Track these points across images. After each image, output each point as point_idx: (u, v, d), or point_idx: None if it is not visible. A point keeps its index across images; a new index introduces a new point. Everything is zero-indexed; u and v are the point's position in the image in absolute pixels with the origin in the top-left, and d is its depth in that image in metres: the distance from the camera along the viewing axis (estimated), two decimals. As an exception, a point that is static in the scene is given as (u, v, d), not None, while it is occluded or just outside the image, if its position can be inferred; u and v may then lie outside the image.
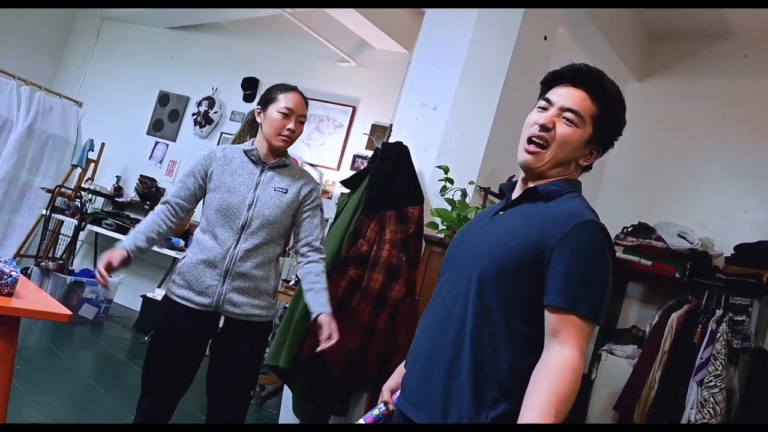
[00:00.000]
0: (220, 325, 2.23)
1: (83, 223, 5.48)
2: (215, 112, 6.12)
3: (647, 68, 4.83)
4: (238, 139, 2.39)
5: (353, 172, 4.10)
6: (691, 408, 3.33)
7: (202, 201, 2.27)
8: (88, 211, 5.69)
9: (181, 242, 5.17)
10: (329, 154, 5.56)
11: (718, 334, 3.39)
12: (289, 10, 5.04)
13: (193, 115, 6.23)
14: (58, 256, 5.59)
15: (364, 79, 5.62)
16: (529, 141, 1.38)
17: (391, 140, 3.29)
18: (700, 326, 3.50)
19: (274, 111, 2.19)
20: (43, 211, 5.86)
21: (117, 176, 6.27)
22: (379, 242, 2.96)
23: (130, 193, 6.14)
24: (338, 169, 5.48)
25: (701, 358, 3.39)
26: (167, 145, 6.35)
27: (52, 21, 6.90)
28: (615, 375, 3.71)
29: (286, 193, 2.21)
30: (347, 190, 3.27)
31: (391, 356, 2.83)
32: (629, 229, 4.08)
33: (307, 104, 2.28)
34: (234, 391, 2.21)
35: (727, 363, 3.38)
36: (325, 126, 5.62)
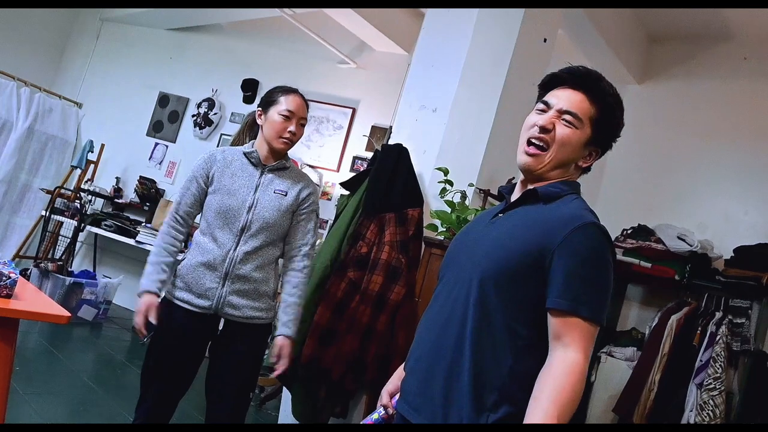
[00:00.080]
0: (220, 328, 2.23)
1: (83, 225, 5.48)
2: (215, 114, 6.12)
3: (647, 70, 4.83)
4: (237, 140, 2.39)
5: (353, 174, 4.09)
6: (691, 410, 3.33)
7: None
8: (88, 213, 5.69)
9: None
10: (329, 156, 5.56)
11: (718, 337, 3.39)
12: (288, 11, 5.04)
13: (193, 116, 6.23)
14: (57, 257, 5.58)
15: (363, 81, 5.62)
16: (529, 143, 1.38)
17: (391, 142, 3.29)
18: (699, 329, 3.50)
19: (275, 113, 2.19)
20: (43, 212, 5.86)
21: (117, 177, 6.27)
22: (379, 244, 2.96)
23: (130, 195, 6.14)
24: (338, 170, 5.48)
25: (701, 360, 3.38)
26: (167, 146, 6.35)
27: (52, 22, 6.90)
28: (614, 377, 3.71)
29: (285, 195, 2.21)
30: (347, 192, 3.27)
31: (390, 358, 2.83)
32: (629, 231, 4.08)
33: (307, 106, 2.28)
34: (233, 393, 2.21)
35: (727, 365, 3.37)
36: (325, 127, 5.62)
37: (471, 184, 3.13)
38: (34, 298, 1.99)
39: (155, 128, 6.43)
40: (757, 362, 3.54)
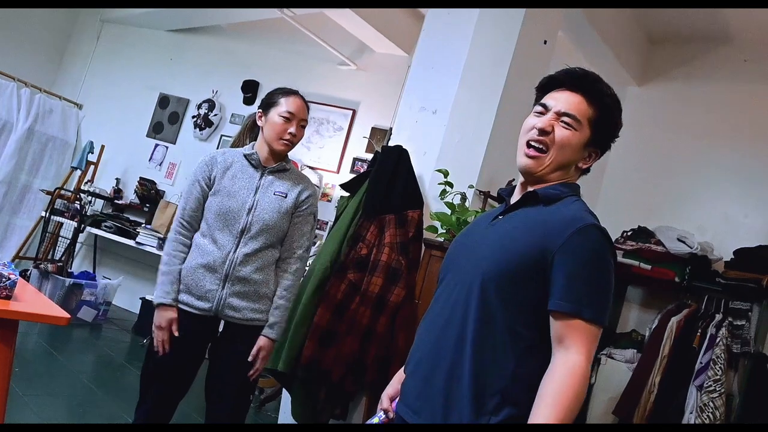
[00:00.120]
0: (220, 329, 2.23)
1: (82, 226, 5.48)
2: (215, 115, 6.12)
3: (647, 72, 4.83)
4: (238, 142, 2.39)
5: (353, 176, 4.09)
6: (691, 413, 3.32)
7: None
8: (88, 214, 5.69)
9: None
10: (329, 157, 5.56)
11: (718, 339, 3.39)
12: (289, 13, 5.04)
13: (193, 117, 6.23)
14: (57, 258, 5.58)
15: (364, 83, 5.63)
16: (528, 145, 1.39)
17: (391, 144, 3.29)
18: (699, 331, 3.50)
19: (276, 115, 2.19)
20: (43, 213, 5.86)
21: (117, 178, 6.27)
22: (379, 246, 2.96)
23: (130, 196, 6.14)
24: (338, 172, 5.48)
25: (701, 362, 3.38)
26: (167, 147, 6.34)
27: (53, 23, 6.91)
28: (614, 379, 3.71)
29: (285, 197, 2.21)
30: (347, 194, 3.27)
31: (390, 360, 2.83)
32: (629, 233, 4.07)
33: (308, 108, 2.28)
34: (233, 394, 2.21)
35: (727, 368, 3.37)
36: (325, 129, 5.62)
37: (471, 186, 3.13)
38: (33, 300, 1.99)
39: (155, 129, 6.43)
40: (757, 364, 3.54)
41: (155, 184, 6.03)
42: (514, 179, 3.14)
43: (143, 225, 5.61)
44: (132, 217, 5.92)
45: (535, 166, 1.38)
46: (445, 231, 3.02)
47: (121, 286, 5.45)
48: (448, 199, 3.04)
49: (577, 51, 4.39)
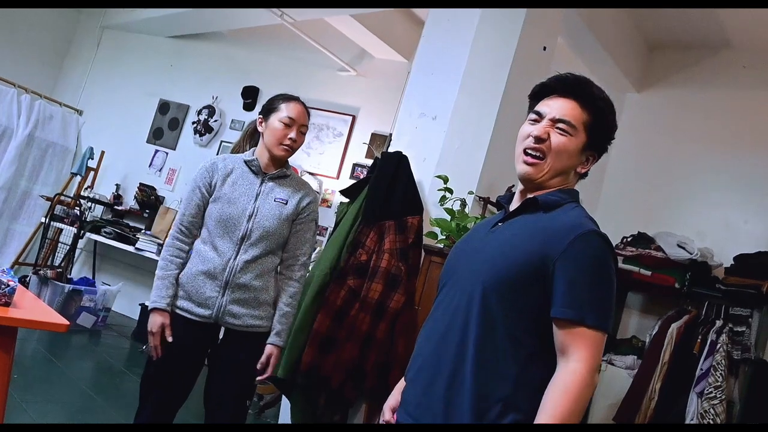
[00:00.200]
0: (220, 336, 2.22)
1: (82, 232, 5.48)
2: (215, 121, 6.13)
3: (646, 79, 4.84)
4: (238, 148, 2.39)
5: (353, 181, 4.10)
6: (691, 419, 3.31)
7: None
8: (88, 219, 5.68)
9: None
10: (329, 163, 5.56)
11: (718, 345, 3.38)
12: (289, 19, 5.05)
13: (193, 123, 6.24)
14: (56, 264, 5.58)
15: (363, 89, 5.64)
16: (526, 153, 1.39)
17: (391, 149, 3.29)
18: (700, 337, 3.49)
19: (276, 120, 2.19)
20: (43, 219, 5.85)
21: (116, 184, 6.27)
22: (379, 252, 2.96)
23: (130, 202, 6.14)
24: (338, 177, 5.48)
25: (701, 369, 3.37)
26: (167, 153, 6.35)
27: (53, 29, 6.92)
28: (615, 386, 3.70)
29: (286, 204, 2.21)
30: (346, 200, 3.27)
31: (390, 366, 2.82)
32: (629, 239, 4.07)
33: (308, 114, 2.28)
34: (232, 401, 2.20)
35: (727, 374, 3.36)
36: (325, 135, 5.62)
37: (471, 192, 3.13)
38: (32, 306, 1.99)
39: (155, 135, 6.43)
40: (758, 371, 3.53)
41: (155, 190, 6.03)
42: (513, 185, 3.15)
43: (143, 231, 5.61)
44: (132, 223, 5.92)
45: (534, 173, 1.38)
46: (444, 237, 3.02)
47: (121, 292, 5.45)
48: (448, 205, 3.04)
49: (577, 57, 4.40)
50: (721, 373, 3.30)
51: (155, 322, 2.09)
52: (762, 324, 3.62)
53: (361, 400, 3.00)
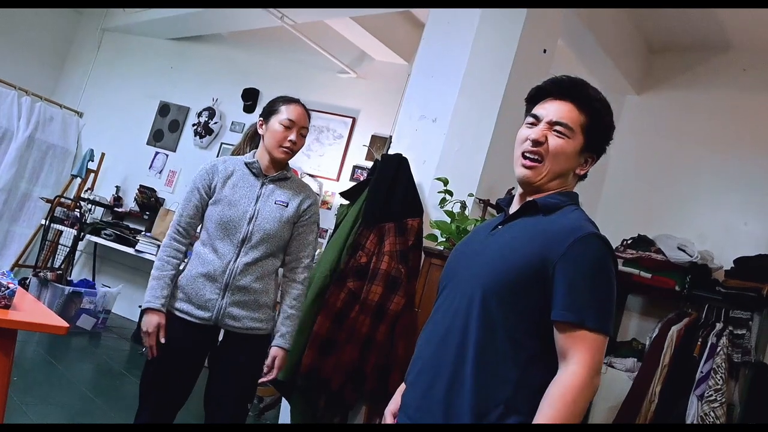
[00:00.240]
0: (220, 338, 2.22)
1: (82, 234, 5.48)
2: (215, 123, 6.14)
3: (646, 81, 4.85)
4: (238, 150, 2.39)
5: (353, 183, 4.10)
6: (692, 422, 3.31)
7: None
8: (88, 221, 5.68)
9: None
10: (329, 165, 5.56)
11: (719, 348, 3.38)
12: (289, 21, 5.06)
13: (194, 125, 6.24)
14: (56, 266, 5.58)
15: (363, 91, 5.64)
16: (524, 156, 1.39)
17: (391, 152, 3.29)
18: (700, 340, 3.49)
19: (276, 122, 2.19)
20: (43, 221, 5.86)
21: (117, 186, 6.27)
22: (378, 254, 2.96)
23: (130, 204, 6.14)
24: (338, 179, 5.48)
25: (701, 371, 3.37)
26: (167, 155, 6.35)
27: (54, 31, 6.93)
28: (615, 388, 3.69)
29: (286, 206, 2.21)
30: (346, 202, 3.27)
31: (390, 369, 2.82)
32: (629, 242, 4.07)
33: (309, 116, 2.28)
34: (232, 404, 2.20)
35: (728, 377, 3.36)
36: (325, 137, 5.63)
37: (471, 194, 3.13)
38: (32, 309, 1.99)
39: (155, 137, 6.44)
40: (758, 374, 3.53)
41: (155, 191, 6.04)
42: (513, 188, 3.14)
43: (143, 233, 5.61)
44: (132, 225, 5.91)
45: (533, 176, 1.38)
46: (444, 239, 3.01)
47: (121, 294, 5.44)
48: (448, 207, 3.04)
49: (577, 60, 4.40)
50: (721, 376, 3.30)
51: (150, 321, 2.09)
52: (762, 327, 3.62)
53: (361, 402, 3.00)
